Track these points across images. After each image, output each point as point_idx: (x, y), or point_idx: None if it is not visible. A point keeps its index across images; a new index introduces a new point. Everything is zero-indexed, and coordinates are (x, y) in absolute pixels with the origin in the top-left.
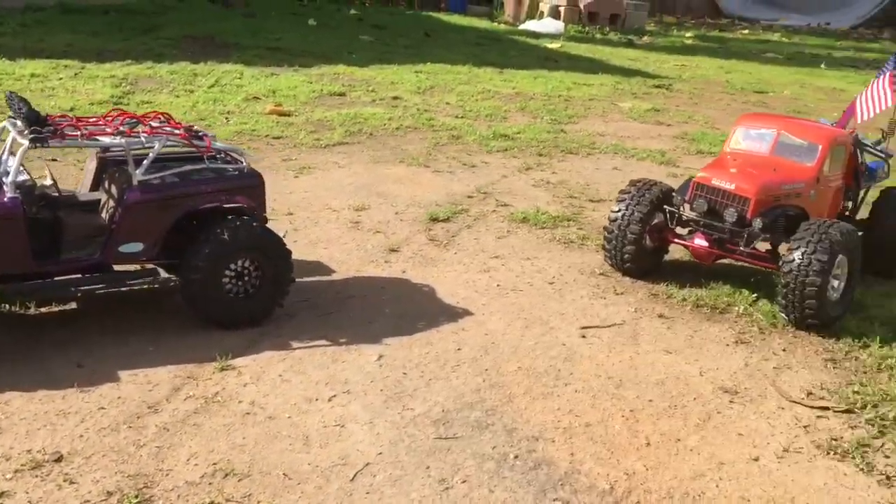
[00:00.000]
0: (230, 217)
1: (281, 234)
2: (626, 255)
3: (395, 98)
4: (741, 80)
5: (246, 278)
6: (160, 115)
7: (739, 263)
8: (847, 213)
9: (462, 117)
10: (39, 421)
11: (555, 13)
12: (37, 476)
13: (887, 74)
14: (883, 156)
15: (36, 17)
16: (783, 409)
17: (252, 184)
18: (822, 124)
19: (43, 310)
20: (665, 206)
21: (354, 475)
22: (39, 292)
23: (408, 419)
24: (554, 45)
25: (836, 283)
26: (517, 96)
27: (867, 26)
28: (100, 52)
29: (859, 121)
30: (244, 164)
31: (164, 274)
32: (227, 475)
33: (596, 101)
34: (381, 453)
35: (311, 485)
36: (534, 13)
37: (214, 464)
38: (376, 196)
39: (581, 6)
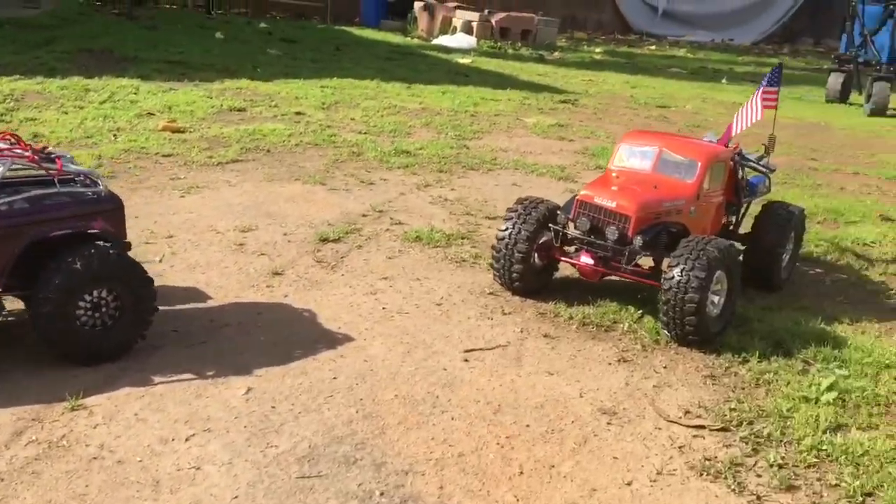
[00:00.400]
0: (85, 244)
1: (157, 259)
2: (515, 274)
3: (298, 113)
4: (645, 95)
5: (103, 310)
6: (8, 136)
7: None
8: (730, 228)
9: (365, 133)
10: None
11: (467, 28)
12: None
13: (759, 91)
14: (765, 171)
15: None
16: (660, 429)
17: (110, 208)
18: (705, 141)
19: None
20: (550, 225)
21: None
22: None
23: (270, 458)
24: (465, 61)
25: (715, 298)
26: (423, 111)
27: (768, 42)
28: None
29: (733, 134)
30: (101, 187)
31: (14, 306)
32: None
33: (502, 116)
34: (236, 497)
35: None
36: (447, 28)
37: None
38: (265, 216)
39: (493, 22)
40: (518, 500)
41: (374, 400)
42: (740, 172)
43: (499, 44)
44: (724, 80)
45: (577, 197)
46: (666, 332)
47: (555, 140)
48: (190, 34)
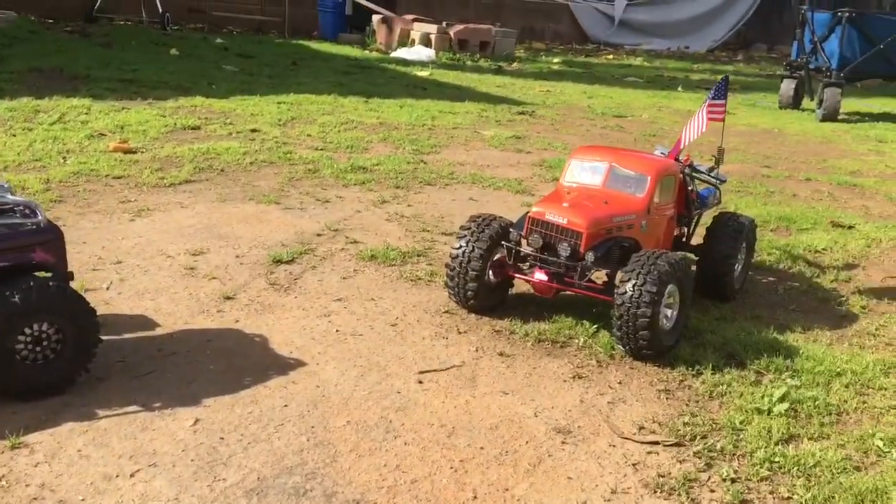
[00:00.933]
0: (23, 276)
1: (104, 287)
2: (470, 293)
3: (254, 131)
4: (602, 105)
5: (44, 343)
6: None
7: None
8: (682, 241)
9: (322, 149)
10: None
11: (426, 41)
12: None
13: (706, 105)
14: (715, 182)
15: None
16: (614, 446)
17: (49, 238)
18: (655, 155)
19: None
20: (503, 242)
21: None
22: None
23: (217, 492)
24: (423, 73)
25: (668, 311)
26: (381, 126)
27: (723, 49)
28: None
29: (682, 146)
30: (40, 217)
31: None
32: None
33: (459, 129)
34: None
35: None
36: (405, 41)
37: None
38: (217, 238)
39: (451, 34)
40: None
41: (326, 427)
42: (691, 185)
43: (457, 56)
44: (679, 88)
45: (528, 214)
46: (620, 346)
47: (512, 153)
48: (144, 51)
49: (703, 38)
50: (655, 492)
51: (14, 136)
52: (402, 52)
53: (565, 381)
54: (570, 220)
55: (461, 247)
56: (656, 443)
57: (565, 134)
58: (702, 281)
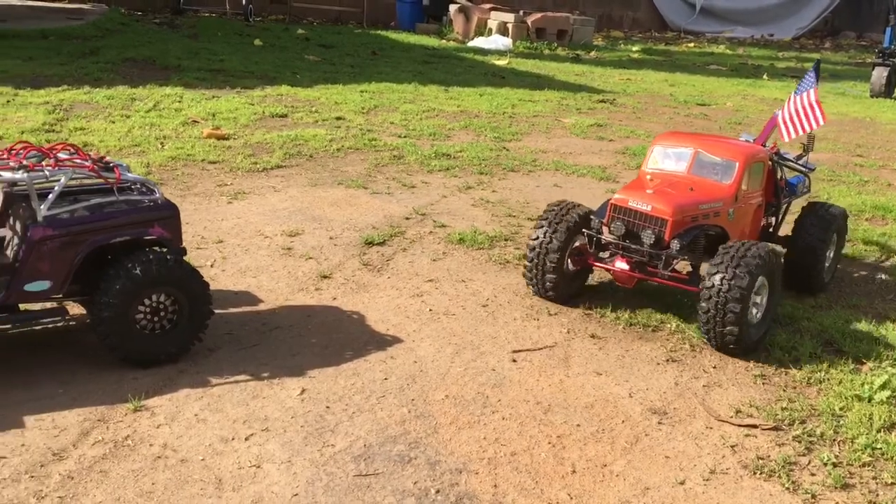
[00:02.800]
0: (144, 250)
1: (208, 264)
2: (548, 283)
3: (338, 118)
4: (685, 93)
5: (161, 313)
6: (68, 147)
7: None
8: (770, 230)
9: (405, 137)
10: None
11: (503, 30)
12: None
13: (812, 89)
14: (804, 170)
15: None
16: (711, 428)
17: (166, 215)
18: (741, 141)
19: None
20: (583, 230)
21: None
22: None
23: (328, 456)
24: (501, 62)
25: (756, 305)
26: (462, 114)
27: (809, 36)
28: (34, 78)
29: (786, 139)
30: (157, 194)
31: (75, 311)
32: None
33: (540, 117)
34: (296, 494)
35: None
36: (482, 30)
37: None
38: (311, 220)
39: (528, 22)
40: (572, 498)
41: (425, 400)
42: (779, 172)
43: (535, 44)
44: (764, 77)
45: (610, 201)
46: (706, 339)
47: (594, 140)
48: (229, 42)
49: (788, 25)
50: (755, 473)
51: (113, 122)
52: (478, 42)
53: (658, 364)
54: (654, 207)
55: (539, 237)
56: (754, 426)
57: (648, 122)
58: (790, 272)
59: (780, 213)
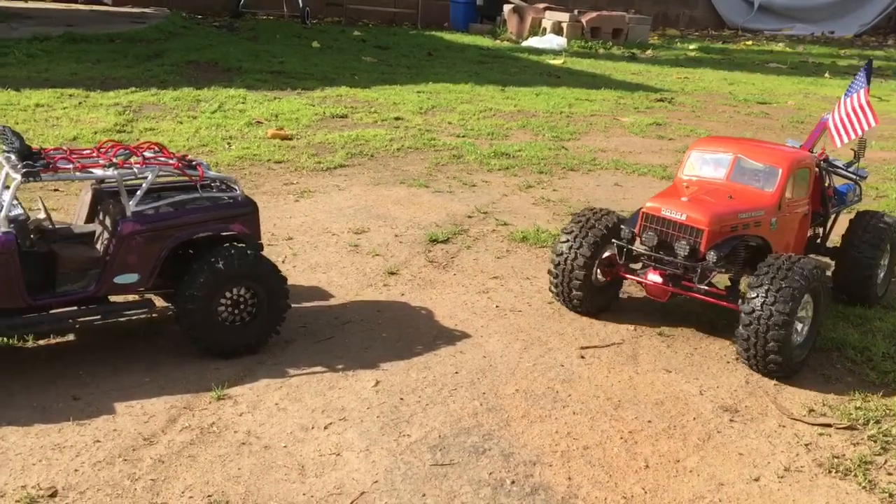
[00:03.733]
0: (225, 245)
1: (280, 260)
2: (575, 299)
3: (397, 119)
4: (744, 92)
5: (242, 306)
6: (153, 146)
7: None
8: (817, 241)
9: (463, 136)
10: (35, 455)
11: (557, 29)
12: None
13: (863, 90)
14: (855, 178)
15: (42, 47)
16: (784, 427)
17: (246, 211)
18: (786, 146)
19: (41, 343)
20: (613, 240)
21: None
22: (36, 326)
23: (404, 446)
24: (556, 62)
25: (800, 325)
26: (519, 114)
27: (871, 34)
28: (104, 81)
29: (838, 144)
30: (238, 191)
31: (160, 304)
32: None
33: (598, 116)
34: (376, 481)
35: None
36: (536, 30)
37: (209, 496)
38: (376, 218)
39: (583, 21)
40: (646, 492)
41: (496, 394)
42: (827, 180)
43: (589, 43)
44: (826, 75)
45: (642, 209)
46: (744, 361)
47: (654, 139)
48: (288, 44)
49: (849, 22)
50: (830, 472)
51: (181, 123)
52: (533, 41)
53: (728, 362)
54: (689, 216)
55: (563, 251)
56: (828, 425)
57: (707, 121)
58: (839, 286)
59: (827, 224)
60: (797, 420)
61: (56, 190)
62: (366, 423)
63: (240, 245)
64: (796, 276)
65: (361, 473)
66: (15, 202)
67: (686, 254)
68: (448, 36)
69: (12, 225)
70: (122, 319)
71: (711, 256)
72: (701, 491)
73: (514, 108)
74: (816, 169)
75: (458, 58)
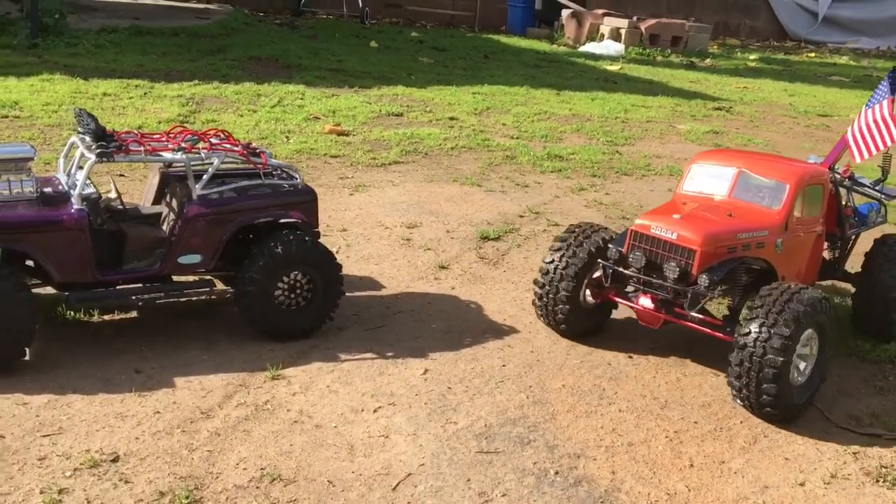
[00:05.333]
0: (284, 231)
1: (334, 250)
2: (560, 315)
3: (452, 119)
4: (805, 104)
5: (298, 291)
6: (220, 133)
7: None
8: (835, 266)
9: (517, 138)
10: (99, 423)
11: (615, 35)
12: (94, 475)
13: (885, 101)
14: (880, 196)
15: (110, 39)
16: (831, 434)
17: (306, 199)
18: (797, 160)
19: (105, 317)
20: (600, 260)
21: (396, 485)
22: (102, 301)
23: (450, 432)
24: (613, 67)
25: (802, 364)
26: (574, 118)
27: None
28: (168, 73)
29: (858, 160)
30: (299, 180)
31: (220, 285)
32: (273, 480)
33: (654, 123)
34: (423, 464)
35: (354, 493)
36: (594, 35)
37: (262, 469)
38: (428, 214)
39: (642, 28)
40: (689, 490)
41: (543, 388)
42: (846, 198)
43: (647, 50)
44: None
45: (630, 227)
46: (738, 400)
47: (710, 147)
48: (347, 43)
49: None
50: (878, 481)
51: (241, 116)
52: (590, 47)
53: None
54: (680, 235)
55: (553, 262)
56: (877, 435)
57: (766, 131)
58: (859, 315)
59: (847, 247)
60: (845, 428)
61: (121, 175)
62: (414, 408)
63: (298, 232)
64: (796, 308)
65: (408, 456)
66: (88, 182)
67: (676, 276)
68: (505, 39)
69: (85, 203)
70: (182, 299)
71: (703, 280)
72: (745, 492)
73: (568, 111)
74: (832, 185)
75: (514, 61)
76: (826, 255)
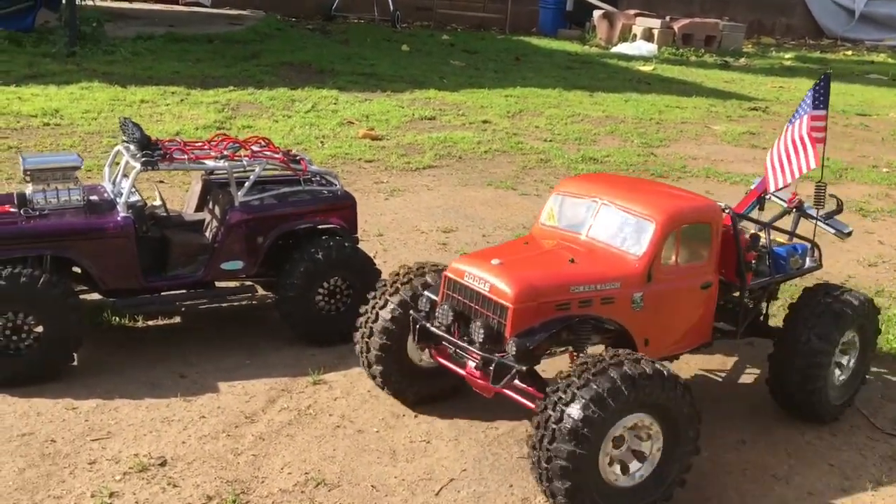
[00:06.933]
0: (324, 237)
1: (371, 255)
2: (379, 379)
3: (485, 122)
4: (843, 103)
5: (338, 296)
6: (260, 140)
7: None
8: (760, 319)
9: (550, 141)
10: (146, 427)
11: (648, 36)
12: (143, 478)
13: (806, 117)
14: (836, 233)
15: (146, 46)
16: (876, 441)
17: (345, 205)
18: (680, 191)
19: (150, 323)
20: (411, 312)
21: (439, 490)
22: (148, 307)
23: (492, 437)
24: (646, 68)
25: (636, 463)
26: (607, 119)
27: None
28: (204, 79)
29: (772, 188)
30: (338, 186)
31: (260, 291)
32: (318, 485)
33: (688, 124)
34: (465, 469)
35: (397, 497)
36: (626, 36)
37: (306, 473)
38: (464, 218)
39: (675, 28)
40: (734, 496)
41: None
42: (763, 237)
43: (681, 51)
44: None
45: (445, 272)
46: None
47: (747, 148)
48: (378, 47)
49: None
50: None
51: (276, 121)
52: (622, 48)
53: None
54: (493, 287)
55: (365, 311)
56: None
57: None
58: (776, 384)
59: (761, 301)
60: (891, 434)
61: (161, 182)
62: (455, 414)
63: (338, 237)
64: (603, 386)
65: (450, 461)
66: (133, 190)
67: (482, 339)
68: (536, 41)
69: (130, 211)
70: (225, 304)
71: (512, 347)
72: (789, 498)
73: (602, 113)
74: (724, 223)
75: (545, 63)
76: (756, 306)
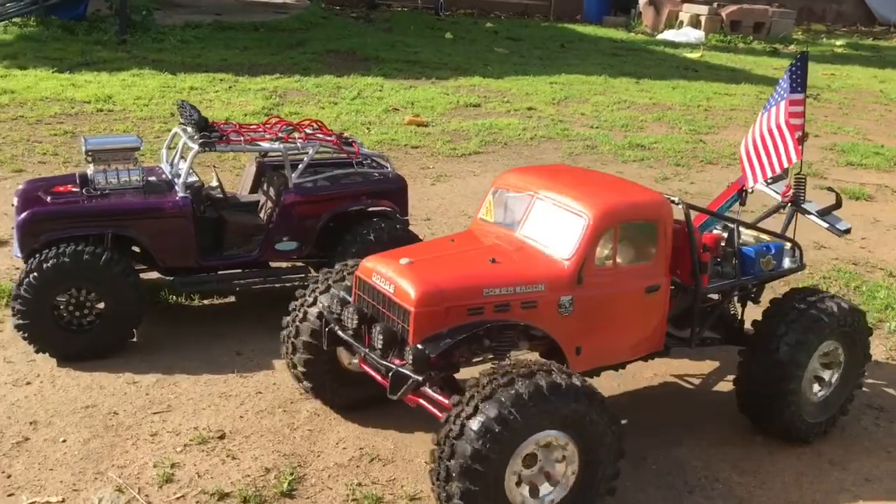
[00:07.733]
0: (375, 219)
1: (420, 238)
2: (305, 383)
3: (530, 109)
4: None
5: None
6: (313, 123)
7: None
8: (738, 324)
9: (597, 127)
10: (205, 402)
11: (695, 22)
12: (203, 451)
13: (783, 102)
14: (836, 231)
15: (194, 34)
16: None
17: (396, 188)
18: (624, 182)
19: (205, 302)
20: (321, 312)
21: None
22: (204, 285)
23: None
24: (693, 55)
25: (547, 486)
26: (654, 106)
27: None
28: (251, 67)
29: (750, 183)
30: (389, 169)
31: (313, 273)
32: (372, 460)
33: (738, 111)
34: None
35: None
36: (673, 23)
37: (361, 448)
38: None
39: (723, 15)
40: (789, 479)
41: (633, 377)
42: (728, 240)
43: (728, 37)
44: None
45: (356, 271)
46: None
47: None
48: (422, 35)
49: None
50: None
51: (323, 108)
52: (669, 35)
53: (878, 361)
54: (397, 288)
55: (294, 309)
56: None
57: (856, 118)
58: (744, 397)
59: (724, 306)
60: None
61: (214, 166)
62: None
63: (388, 219)
64: (508, 399)
65: None
66: (191, 171)
67: (381, 346)
68: (581, 28)
69: (188, 191)
70: (276, 285)
71: (409, 355)
72: (846, 484)
73: (648, 100)
74: (669, 221)
75: (591, 50)
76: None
